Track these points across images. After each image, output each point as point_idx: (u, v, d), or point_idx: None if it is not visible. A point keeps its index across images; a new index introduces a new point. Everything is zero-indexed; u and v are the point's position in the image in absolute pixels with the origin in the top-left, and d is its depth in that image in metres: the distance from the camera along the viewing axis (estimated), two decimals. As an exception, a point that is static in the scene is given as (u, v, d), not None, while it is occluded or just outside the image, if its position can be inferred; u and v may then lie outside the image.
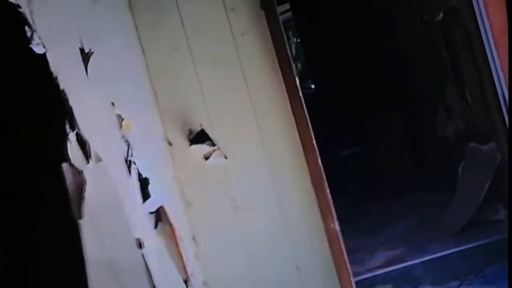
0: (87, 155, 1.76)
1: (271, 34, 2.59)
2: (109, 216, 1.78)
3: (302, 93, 8.48)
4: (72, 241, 1.59)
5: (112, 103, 2.09)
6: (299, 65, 8.49)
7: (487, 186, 4.62)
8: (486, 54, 3.79)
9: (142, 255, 1.86)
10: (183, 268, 2.33)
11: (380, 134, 6.44)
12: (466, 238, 4.58)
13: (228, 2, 2.59)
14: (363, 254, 4.87)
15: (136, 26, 2.48)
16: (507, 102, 3.68)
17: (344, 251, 2.60)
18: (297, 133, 2.59)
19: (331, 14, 6.93)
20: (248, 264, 2.55)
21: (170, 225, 2.33)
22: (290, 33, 8.45)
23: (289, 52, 2.62)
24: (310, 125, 2.60)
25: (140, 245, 1.89)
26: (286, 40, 2.63)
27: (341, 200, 5.59)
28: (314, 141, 2.60)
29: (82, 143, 1.75)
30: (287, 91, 2.61)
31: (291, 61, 2.62)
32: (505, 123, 3.79)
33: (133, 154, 2.16)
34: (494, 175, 4.55)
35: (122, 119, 2.12)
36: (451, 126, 5.57)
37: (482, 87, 4.35)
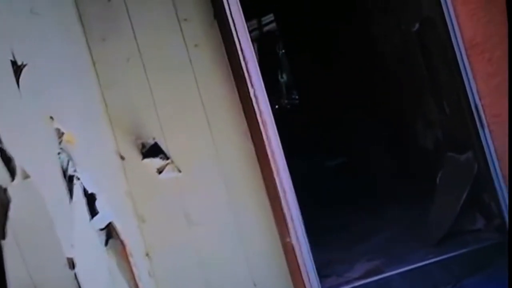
0: (12, 172, 1.69)
1: (224, 44, 2.54)
2: (36, 236, 1.71)
3: (288, 104, 8.45)
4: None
5: (51, 117, 2.03)
6: (284, 76, 8.47)
7: (464, 196, 4.58)
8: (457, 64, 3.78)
9: (75, 275, 1.79)
10: (134, 285, 2.25)
11: (363, 144, 6.41)
12: (444, 248, 4.53)
13: (181, 13, 2.54)
14: (342, 265, 4.82)
15: (86, 37, 2.42)
16: (479, 111, 3.65)
17: (304, 264, 2.54)
18: (252, 146, 2.53)
19: (314, 25, 6.94)
20: (204, 281, 2.49)
21: (121, 241, 2.26)
22: (276, 44, 8.45)
23: (243, 63, 2.56)
24: (266, 138, 2.53)
25: (72, 265, 1.82)
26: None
27: (324, 211, 5.57)
28: (270, 154, 2.54)
29: (7, 159, 1.68)
30: (241, 103, 2.55)
31: (246, 71, 2.56)
32: (479, 133, 3.76)
33: (77, 169, 2.09)
34: (472, 185, 4.51)
35: (63, 133, 2.05)
36: (430, 136, 5.54)
37: (458, 96, 4.32)
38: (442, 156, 4.85)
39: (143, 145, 2.52)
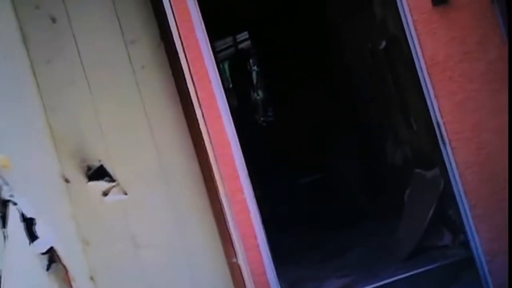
0: None
1: (171, 65, 2.53)
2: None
3: (263, 121, 8.47)
4: None
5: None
6: (260, 93, 8.48)
7: (431, 212, 4.60)
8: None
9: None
10: (77, 310, 2.23)
11: (336, 161, 6.43)
12: (413, 263, 4.55)
13: (127, 34, 2.54)
14: (313, 283, 4.82)
15: (30, 59, 2.41)
16: (441, 128, 3.67)
17: (249, 283, 2.52)
18: (199, 168, 2.52)
19: (287, 43, 7.00)
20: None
21: (63, 266, 2.23)
22: (250, 61, 8.47)
23: (190, 84, 2.55)
24: (212, 158, 2.53)
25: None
26: (183, 72, 2.56)
27: (295, 228, 5.56)
28: (216, 175, 2.52)
29: None
30: (188, 125, 2.54)
31: (193, 92, 2.55)
32: (441, 149, 3.78)
33: (13, 194, 2.06)
34: (438, 201, 4.53)
35: (-4, 157, 2.03)
36: (399, 152, 5.58)
37: (423, 114, 4.35)
38: (410, 173, 4.88)
39: (89, 168, 2.50)
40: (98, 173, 2.49)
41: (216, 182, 2.50)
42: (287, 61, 7.12)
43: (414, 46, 3.73)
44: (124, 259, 2.45)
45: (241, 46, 8.49)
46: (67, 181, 2.45)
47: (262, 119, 7.89)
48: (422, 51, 3.61)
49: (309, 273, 4.88)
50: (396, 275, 4.50)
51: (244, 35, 8.35)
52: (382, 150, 5.76)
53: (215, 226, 2.51)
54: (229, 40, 8.45)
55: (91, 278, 2.31)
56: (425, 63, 3.64)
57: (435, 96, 3.59)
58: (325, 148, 6.64)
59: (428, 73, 3.61)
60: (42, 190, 2.30)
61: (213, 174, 2.51)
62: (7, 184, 2.05)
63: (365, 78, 5.81)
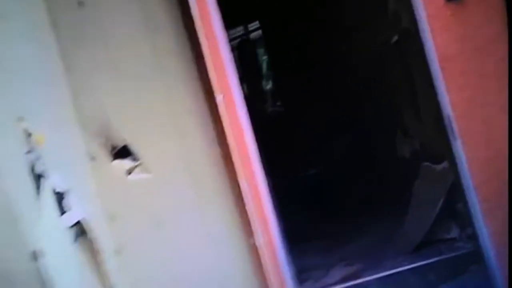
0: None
1: (194, 52, 2.62)
2: (1, 229, 1.78)
3: (272, 111, 8.50)
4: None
5: (20, 118, 2.10)
6: (269, 84, 8.53)
7: (440, 205, 4.66)
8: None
9: (39, 267, 1.87)
10: (104, 281, 2.33)
11: (343, 153, 6.49)
12: (420, 255, 4.61)
13: (152, 21, 2.62)
14: (319, 271, 4.89)
15: (58, 43, 2.50)
16: (452, 122, 3.73)
17: (269, 264, 2.61)
18: (220, 151, 2.62)
19: (298, 34, 7.03)
20: (171, 279, 2.56)
21: (91, 239, 2.33)
22: (260, 51, 8.52)
23: (211, 71, 2.64)
24: (231, 141, 2.62)
25: (36, 258, 1.89)
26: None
27: (303, 218, 5.64)
28: (235, 157, 2.62)
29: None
30: (210, 109, 2.64)
31: (215, 78, 2.64)
32: (452, 143, 3.84)
33: (46, 168, 2.16)
34: (447, 194, 4.59)
35: (31, 133, 2.13)
36: (407, 146, 5.63)
37: (434, 107, 4.41)
38: (418, 166, 4.94)
39: (113, 147, 2.59)
40: (122, 153, 2.58)
41: (235, 165, 2.59)
42: (297, 51, 7.15)
43: (427, 40, 3.81)
44: (147, 236, 2.55)
45: (252, 35, 8.53)
46: (93, 159, 2.55)
47: (271, 109, 7.94)
48: (434, 45, 3.69)
49: (315, 262, 4.96)
50: (402, 266, 4.58)
51: (255, 24, 8.39)
52: (391, 143, 5.81)
53: (235, 207, 2.59)
54: (239, 29, 8.49)
55: (116, 252, 2.41)
56: (437, 57, 3.71)
57: (446, 91, 3.66)
58: (332, 139, 6.69)
59: (440, 68, 3.68)
60: (70, 167, 2.39)
61: (233, 158, 2.60)
62: (40, 159, 2.14)
63: (375, 70, 5.86)
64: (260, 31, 8.33)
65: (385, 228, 5.10)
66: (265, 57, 8.30)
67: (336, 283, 4.76)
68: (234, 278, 2.55)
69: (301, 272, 4.37)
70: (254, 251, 2.56)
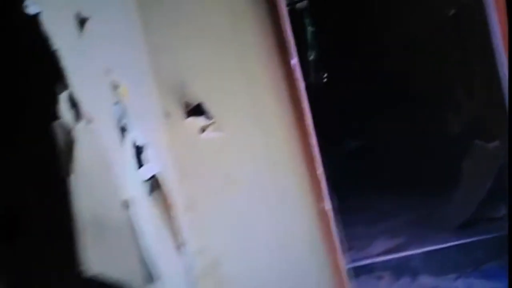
0: (78, 115, 1.80)
1: (270, 15, 2.63)
2: (97, 176, 1.82)
3: (316, 83, 8.42)
4: (61, 197, 1.64)
5: (108, 69, 2.13)
6: (313, 55, 8.47)
7: (489, 184, 4.64)
8: (493, 52, 3.84)
9: (129, 216, 1.91)
10: (175, 236, 2.37)
11: (389, 127, 6.45)
12: (467, 232, 4.61)
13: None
14: (362, 242, 4.92)
15: (137, 3, 2.52)
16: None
17: (335, 231, 2.64)
18: (292, 116, 2.63)
19: (346, 5, 6.96)
20: (240, 238, 2.60)
21: (164, 193, 2.37)
22: (306, 21, 8.44)
23: (286, 34, 2.65)
24: (304, 104, 2.64)
25: (127, 206, 1.94)
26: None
27: (348, 191, 5.66)
28: (307, 120, 2.64)
29: (74, 103, 1.79)
30: (282, 71, 2.65)
31: (288, 42, 2.66)
32: (507, 122, 3.82)
33: (128, 121, 2.20)
34: (497, 173, 4.57)
35: (118, 85, 2.16)
36: (458, 122, 5.58)
37: (490, 85, 4.37)
38: (469, 143, 4.91)
39: (187, 105, 2.62)
40: (196, 110, 2.61)
41: (307, 128, 2.61)
42: (344, 21, 7.08)
43: (490, 16, 3.76)
44: (218, 193, 2.58)
45: (298, 6, 8.45)
46: (167, 115, 2.58)
47: (314, 80, 7.90)
48: (498, 22, 3.65)
49: (358, 232, 4.98)
50: (448, 242, 4.57)
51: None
52: (440, 119, 5.77)
53: (306, 170, 2.62)
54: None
55: (187, 208, 2.45)
56: (501, 34, 3.67)
57: (508, 68, 3.62)
58: (377, 112, 6.65)
59: (503, 43, 3.64)
60: (147, 122, 2.43)
61: (305, 122, 2.62)
62: (124, 111, 2.18)
63: (426, 43, 5.79)
64: (306, 1, 8.25)
65: (430, 203, 5.10)
66: (310, 27, 8.22)
67: (379, 255, 4.78)
68: (301, 239, 2.58)
69: (342, 242, 4.40)
70: (323, 216, 2.59)
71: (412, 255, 4.65)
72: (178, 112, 2.60)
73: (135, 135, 2.27)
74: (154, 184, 2.36)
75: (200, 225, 2.48)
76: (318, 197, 2.55)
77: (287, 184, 2.60)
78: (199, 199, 2.53)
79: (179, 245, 2.38)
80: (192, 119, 2.60)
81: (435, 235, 4.76)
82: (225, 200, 2.59)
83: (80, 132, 1.76)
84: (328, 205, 2.57)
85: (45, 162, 1.68)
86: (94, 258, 1.65)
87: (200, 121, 2.61)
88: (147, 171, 2.35)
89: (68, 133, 1.73)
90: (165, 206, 2.35)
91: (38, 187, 1.66)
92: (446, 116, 5.67)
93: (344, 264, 2.56)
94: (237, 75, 2.64)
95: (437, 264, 4.60)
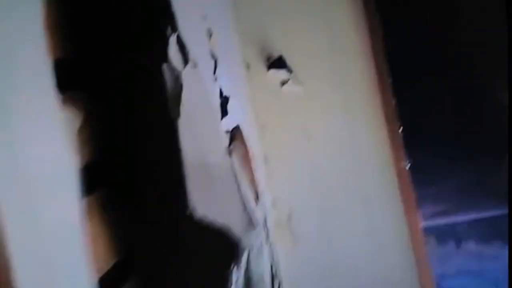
0: (185, 59, 1.80)
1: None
2: (202, 121, 1.83)
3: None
4: (170, 140, 1.65)
5: (204, 16, 2.12)
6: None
7: (543, 155, 4.58)
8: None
9: (232, 163, 1.93)
10: (254, 185, 2.38)
11: (436, 94, 6.37)
12: (515, 203, 4.56)
13: None
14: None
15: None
16: None
17: (412, 189, 2.64)
18: (374, 71, 2.60)
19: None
20: (315, 191, 2.61)
21: (244, 144, 2.37)
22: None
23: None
24: (386, 64, 2.61)
25: (229, 153, 1.95)
26: None
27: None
28: (389, 81, 2.61)
29: (182, 46, 1.79)
30: (367, 27, 2.62)
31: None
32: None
33: (218, 70, 2.19)
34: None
35: (211, 33, 2.15)
36: (506, 92, 5.50)
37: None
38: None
39: (268, 57, 2.60)
40: (277, 63, 2.60)
41: (387, 88, 2.59)
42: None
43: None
44: (295, 148, 2.58)
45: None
46: (248, 67, 2.57)
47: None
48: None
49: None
50: (495, 210, 4.56)
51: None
52: (489, 87, 5.69)
53: (386, 127, 2.60)
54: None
55: (265, 160, 2.45)
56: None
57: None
58: (423, 80, 6.56)
59: None
60: (230, 73, 2.42)
61: (385, 80, 2.60)
62: (216, 60, 2.17)
63: (478, 12, 5.66)
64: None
65: (480, 170, 5.07)
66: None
67: (425, 219, 4.77)
68: (378, 198, 2.59)
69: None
70: (402, 175, 2.59)
71: (458, 221, 4.65)
72: (259, 64, 2.58)
73: (223, 86, 2.27)
74: (233, 135, 2.36)
75: (276, 178, 2.49)
76: (398, 155, 2.54)
77: (365, 142, 2.59)
78: (276, 152, 2.54)
79: (257, 197, 2.40)
80: (272, 72, 2.59)
81: (483, 203, 4.74)
82: (302, 154, 2.59)
83: (187, 76, 1.76)
84: (406, 164, 2.56)
85: (155, 105, 1.69)
86: (200, 202, 1.66)
87: (280, 74, 2.60)
88: (230, 122, 2.35)
89: (176, 76, 1.73)
90: (245, 157, 2.36)
91: (147, 130, 1.67)
92: (497, 85, 5.59)
93: (420, 225, 2.56)
94: (319, 32, 2.62)
95: (483, 231, 4.61)
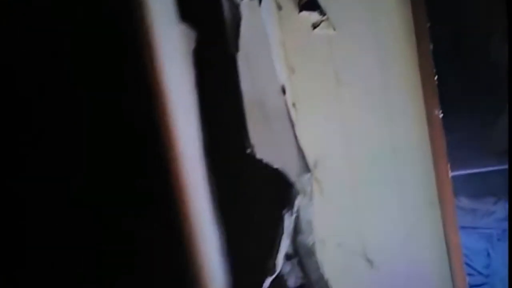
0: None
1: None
2: (260, 57, 1.73)
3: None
4: (230, 75, 1.55)
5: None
6: None
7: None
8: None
9: (286, 103, 1.84)
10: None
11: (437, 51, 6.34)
12: (508, 159, 4.60)
13: None
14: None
15: None
16: None
17: (444, 138, 2.59)
18: (412, 19, 2.52)
19: None
20: (343, 137, 2.54)
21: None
22: None
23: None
24: (423, 11, 2.52)
25: (284, 91, 1.86)
26: None
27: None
28: (427, 26, 2.53)
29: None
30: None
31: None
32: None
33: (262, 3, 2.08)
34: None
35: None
36: (504, 51, 5.49)
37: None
38: (514, 71, 4.83)
39: (301, -2, 2.50)
40: (309, 4, 2.49)
41: (424, 34, 2.51)
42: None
43: None
44: (325, 93, 2.50)
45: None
46: (279, 7, 2.45)
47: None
48: None
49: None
50: (489, 167, 4.59)
51: None
52: (485, 46, 5.68)
53: (420, 74, 2.53)
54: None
55: (293, 104, 2.37)
56: None
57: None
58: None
59: None
60: (264, 13, 2.30)
61: (423, 28, 2.52)
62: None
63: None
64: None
65: (475, 126, 5.09)
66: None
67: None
68: (410, 146, 2.53)
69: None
70: (434, 122, 2.53)
71: (452, 176, 4.67)
72: (291, 5, 2.47)
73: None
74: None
75: (304, 122, 2.41)
76: (431, 103, 2.48)
77: (399, 89, 2.52)
78: (304, 97, 2.45)
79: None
80: (304, 13, 2.48)
81: (477, 159, 4.77)
82: (331, 101, 2.51)
83: (246, 7, 1.65)
84: (439, 112, 2.51)
85: (214, 38, 1.58)
86: (259, 142, 1.58)
87: (313, 16, 2.49)
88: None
89: (235, 7, 1.63)
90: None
91: (207, 62, 1.57)
92: (493, 44, 5.58)
93: (449, 175, 2.53)
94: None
95: (476, 187, 4.65)
